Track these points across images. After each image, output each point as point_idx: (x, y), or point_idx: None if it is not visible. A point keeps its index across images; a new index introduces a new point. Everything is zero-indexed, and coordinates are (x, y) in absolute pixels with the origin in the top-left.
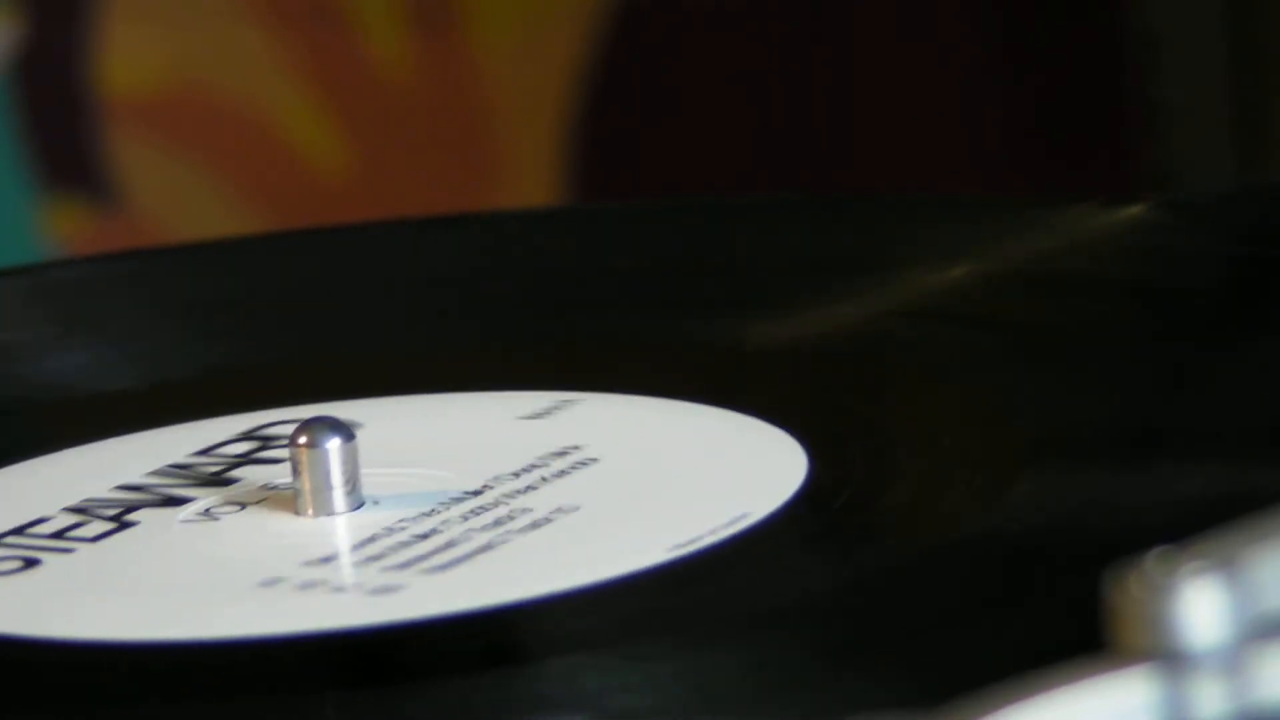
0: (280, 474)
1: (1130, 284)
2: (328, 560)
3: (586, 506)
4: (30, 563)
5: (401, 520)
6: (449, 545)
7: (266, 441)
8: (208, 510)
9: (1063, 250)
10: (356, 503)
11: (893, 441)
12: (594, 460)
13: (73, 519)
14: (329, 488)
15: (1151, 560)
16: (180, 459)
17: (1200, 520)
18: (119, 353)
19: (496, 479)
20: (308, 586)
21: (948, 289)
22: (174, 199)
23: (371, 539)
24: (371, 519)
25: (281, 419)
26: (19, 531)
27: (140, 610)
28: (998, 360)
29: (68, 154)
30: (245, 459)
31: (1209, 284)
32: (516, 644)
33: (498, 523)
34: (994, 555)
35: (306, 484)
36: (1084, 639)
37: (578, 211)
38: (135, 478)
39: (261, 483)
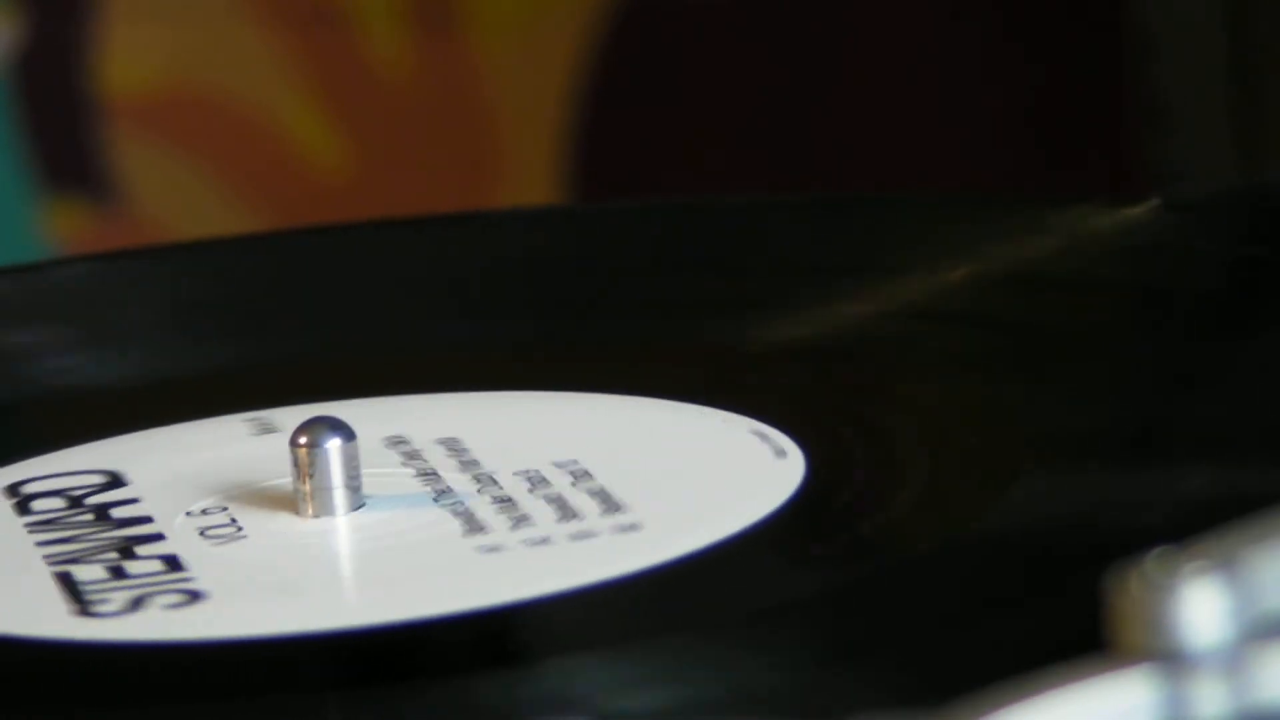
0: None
1: (1130, 284)
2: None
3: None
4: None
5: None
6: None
7: (114, 478)
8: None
9: (1063, 250)
10: (358, 503)
11: (892, 442)
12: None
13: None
14: (330, 487)
15: (1151, 560)
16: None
17: (1200, 520)
18: (119, 353)
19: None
20: (534, 544)
21: (948, 289)
22: (174, 199)
23: (472, 511)
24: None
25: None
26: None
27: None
28: (997, 360)
29: (68, 154)
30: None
31: (1209, 284)
32: (516, 644)
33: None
34: (994, 555)
35: (307, 484)
36: (1084, 639)
37: (578, 211)
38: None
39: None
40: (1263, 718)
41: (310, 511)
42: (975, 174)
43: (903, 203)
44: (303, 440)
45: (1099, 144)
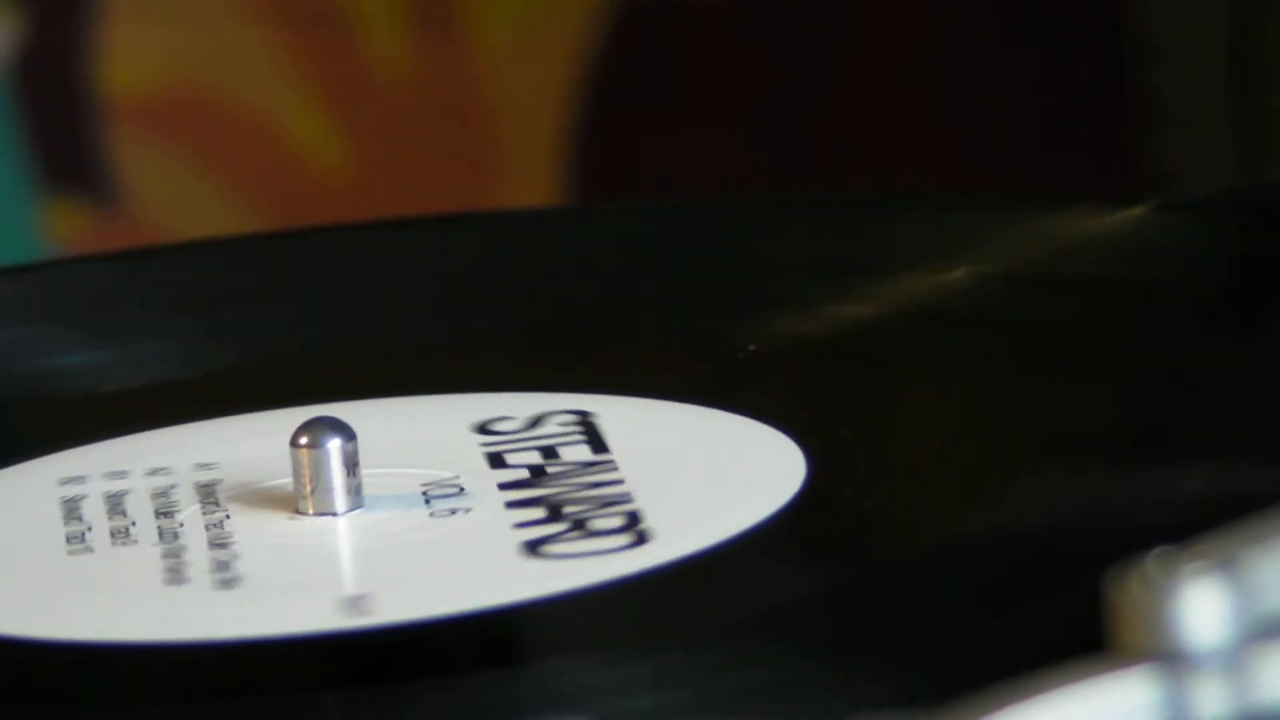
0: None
1: (1130, 284)
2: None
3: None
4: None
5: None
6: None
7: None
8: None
9: (1063, 250)
10: (357, 503)
11: (892, 442)
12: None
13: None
14: (330, 487)
15: (1152, 560)
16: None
17: (1200, 520)
18: (119, 353)
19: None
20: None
21: (948, 289)
22: (174, 199)
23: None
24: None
25: None
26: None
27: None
28: (997, 360)
29: (68, 154)
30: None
31: (1209, 284)
32: (516, 644)
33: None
34: (994, 555)
35: (307, 484)
36: (1084, 639)
37: (578, 211)
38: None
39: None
40: (1263, 718)
41: (310, 511)
42: (975, 174)
43: (903, 203)
44: (303, 440)
45: (1099, 144)
